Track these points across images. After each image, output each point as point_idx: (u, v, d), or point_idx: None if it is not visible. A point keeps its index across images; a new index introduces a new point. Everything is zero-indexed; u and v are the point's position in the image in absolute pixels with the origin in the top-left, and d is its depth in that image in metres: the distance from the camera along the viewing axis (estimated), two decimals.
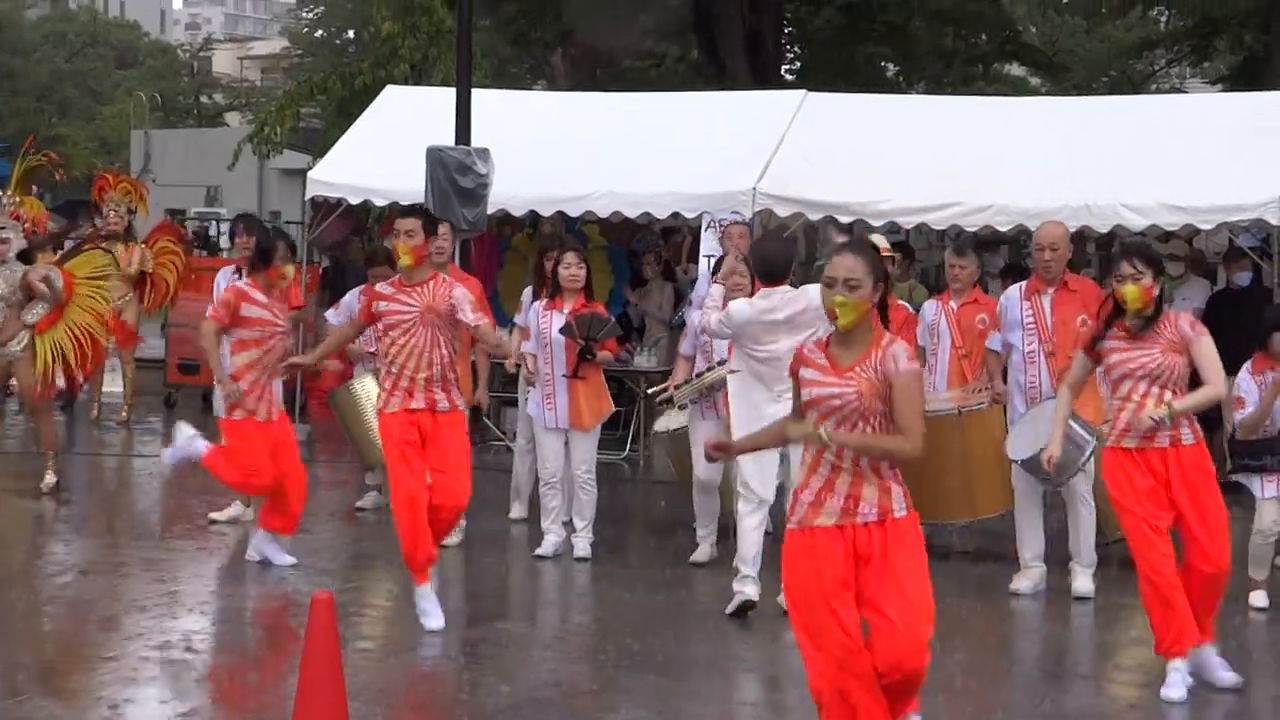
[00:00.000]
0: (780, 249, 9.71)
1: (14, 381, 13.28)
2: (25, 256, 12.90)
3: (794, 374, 6.28)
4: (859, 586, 6.12)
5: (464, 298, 9.06)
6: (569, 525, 11.10)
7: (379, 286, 9.31)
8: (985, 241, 16.89)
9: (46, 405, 13.08)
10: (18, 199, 14.28)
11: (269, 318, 10.45)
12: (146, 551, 11.25)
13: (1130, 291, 7.92)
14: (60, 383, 14.35)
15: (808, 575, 6.12)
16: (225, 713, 7.63)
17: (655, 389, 11.23)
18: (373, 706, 7.45)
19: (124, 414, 16.97)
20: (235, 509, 11.87)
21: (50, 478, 12.70)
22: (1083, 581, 10.24)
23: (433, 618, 8.88)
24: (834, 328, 6.20)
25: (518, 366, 11.38)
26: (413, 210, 9.66)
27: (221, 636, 9.08)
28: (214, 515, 11.95)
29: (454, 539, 10.96)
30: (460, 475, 9.10)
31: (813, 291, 8.99)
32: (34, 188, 14.53)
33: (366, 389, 11.41)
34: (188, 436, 10.45)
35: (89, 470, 14.80)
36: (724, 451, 7.12)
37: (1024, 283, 10.62)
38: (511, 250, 17.21)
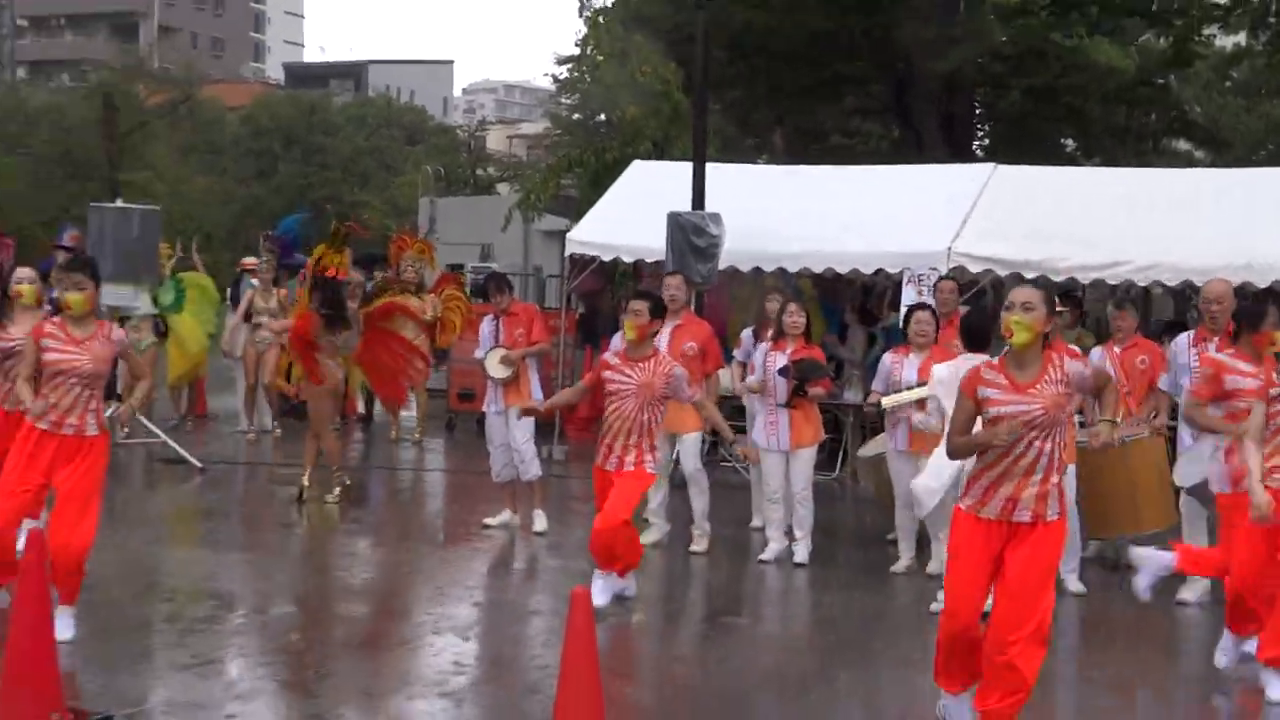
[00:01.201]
0: (984, 322, 9.34)
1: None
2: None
3: (970, 391, 6.22)
4: (1002, 567, 6.19)
5: (682, 377, 9.12)
6: (790, 534, 11.09)
7: (608, 357, 9.41)
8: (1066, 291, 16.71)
9: (328, 426, 13.20)
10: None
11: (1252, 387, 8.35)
12: (431, 550, 11.50)
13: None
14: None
15: (963, 545, 6.23)
16: (500, 688, 7.76)
17: (869, 401, 11.24)
18: (623, 684, 7.55)
19: (418, 435, 17.37)
20: (505, 515, 12.01)
21: (337, 491, 12.85)
22: None
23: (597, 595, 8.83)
24: (1009, 346, 6.17)
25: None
26: (644, 295, 9.62)
27: (498, 624, 9.23)
28: (488, 520, 12.06)
29: (700, 545, 11.19)
30: (610, 510, 8.96)
31: None
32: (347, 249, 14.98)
33: None
34: (1150, 556, 8.49)
35: (388, 481, 15.16)
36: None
37: (1192, 331, 10.35)
38: (734, 301, 17.30)
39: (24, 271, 9.30)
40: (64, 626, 7.62)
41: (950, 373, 9.20)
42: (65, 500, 7.78)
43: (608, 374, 9.11)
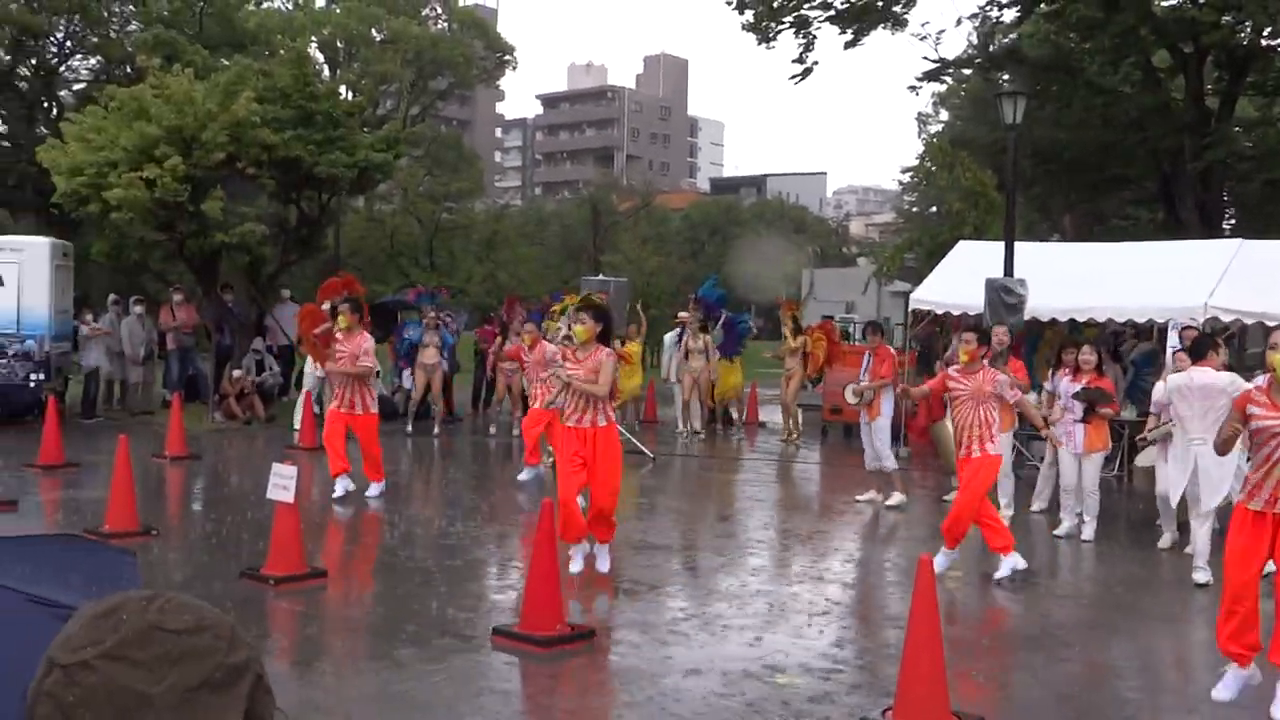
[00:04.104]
0: (1202, 342, 9.01)
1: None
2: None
3: (1241, 409, 5.80)
4: (1273, 551, 5.67)
5: (1005, 382, 8.66)
6: (1079, 517, 10.51)
7: (950, 369, 8.99)
8: None
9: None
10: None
11: None
12: (811, 521, 11.45)
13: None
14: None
15: (1238, 532, 5.75)
16: (859, 620, 7.66)
17: (1139, 436, 10.56)
18: (954, 626, 7.29)
19: (792, 436, 17.27)
20: (870, 494, 11.81)
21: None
22: None
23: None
24: (1274, 375, 5.77)
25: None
26: (973, 328, 9.25)
27: (861, 574, 9.13)
28: (859, 496, 11.92)
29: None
30: (963, 497, 8.59)
31: (1230, 377, 8.47)
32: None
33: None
34: None
35: (776, 470, 15.18)
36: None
37: None
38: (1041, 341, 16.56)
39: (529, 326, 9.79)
40: (603, 561, 8.06)
41: (1179, 380, 8.84)
42: (595, 480, 8.00)
43: (950, 382, 8.74)
